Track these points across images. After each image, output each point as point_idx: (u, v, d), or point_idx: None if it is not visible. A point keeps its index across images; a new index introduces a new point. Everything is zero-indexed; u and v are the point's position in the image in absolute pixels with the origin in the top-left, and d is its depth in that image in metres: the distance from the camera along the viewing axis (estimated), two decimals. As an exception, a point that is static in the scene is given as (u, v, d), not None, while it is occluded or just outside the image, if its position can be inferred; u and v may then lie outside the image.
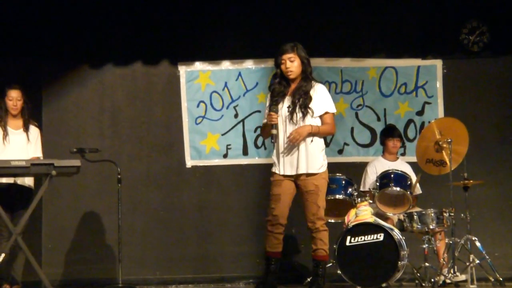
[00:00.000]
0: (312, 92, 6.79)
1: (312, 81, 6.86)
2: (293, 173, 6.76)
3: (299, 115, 6.73)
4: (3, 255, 6.98)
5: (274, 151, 6.90)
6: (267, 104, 6.89)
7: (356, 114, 9.25)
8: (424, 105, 9.25)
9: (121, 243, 7.94)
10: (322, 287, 6.82)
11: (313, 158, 6.75)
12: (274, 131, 6.74)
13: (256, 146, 9.02)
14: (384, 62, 9.29)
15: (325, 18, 9.19)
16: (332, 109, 6.87)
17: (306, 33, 9.13)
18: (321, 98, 6.82)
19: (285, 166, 6.77)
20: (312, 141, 6.76)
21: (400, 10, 9.19)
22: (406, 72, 9.27)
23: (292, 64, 6.79)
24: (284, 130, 6.77)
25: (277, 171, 6.83)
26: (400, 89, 9.27)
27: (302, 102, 6.74)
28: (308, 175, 6.75)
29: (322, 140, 6.88)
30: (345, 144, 9.22)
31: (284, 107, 6.78)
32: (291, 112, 6.73)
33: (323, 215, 6.82)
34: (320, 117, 6.82)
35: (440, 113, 9.18)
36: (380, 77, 9.28)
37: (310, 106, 6.74)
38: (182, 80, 9.17)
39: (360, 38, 9.24)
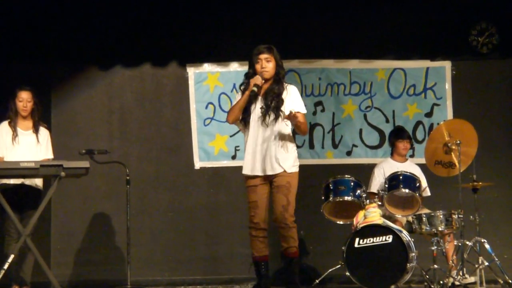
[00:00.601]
0: (284, 94, 6.84)
1: (284, 83, 6.90)
2: (268, 173, 6.78)
3: (272, 117, 6.76)
4: (12, 256, 7.00)
5: (246, 152, 6.89)
6: (237, 98, 6.90)
7: (365, 116, 9.24)
8: (433, 106, 9.23)
9: (130, 244, 7.96)
10: (298, 283, 6.86)
11: (284, 159, 6.77)
12: (255, 88, 6.72)
13: (265, 148, 9.01)
14: (393, 64, 9.27)
15: (333, 19, 9.19)
16: (303, 109, 6.90)
17: (314, 35, 9.15)
18: (293, 99, 6.85)
19: (258, 166, 6.79)
20: (285, 142, 6.80)
21: (409, 11, 9.18)
22: (414, 74, 9.26)
23: (268, 64, 6.83)
24: (256, 131, 6.80)
25: (249, 173, 6.83)
26: (409, 91, 9.26)
27: (275, 104, 6.78)
28: (283, 173, 6.77)
29: (294, 143, 6.91)
30: (354, 145, 9.21)
31: (256, 107, 6.81)
32: (264, 114, 6.76)
33: (293, 212, 6.83)
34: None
35: (449, 114, 9.16)
36: (388, 79, 9.27)
37: (282, 109, 6.78)
38: (191, 82, 9.18)
39: (368, 39, 9.24)
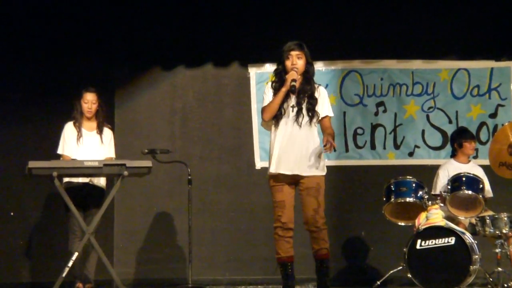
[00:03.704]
0: (316, 95, 6.75)
1: (315, 83, 6.82)
2: (295, 173, 6.66)
3: (306, 118, 6.67)
4: (76, 253, 7.11)
5: (273, 151, 6.74)
6: (269, 95, 6.77)
7: (427, 117, 9.16)
8: (497, 107, 9.11)
9: (191, 244, 8.01)
10: (329, 286, 6.78)
11: (316, 161, 6.68)
12: (294, 83, 6.61)
13: (325, 148, 8.98)
14: (457, 64, 9.17)
15: (396, 19, 9.12)
16: (331, 113, 6.83)
17: (377, 35, 9.10)
18: (323, 101, 6.78)
19: (289, 166, 6.65)
20: (316, 144, 6.69)
21: (473, 11, 9.07)
22: (479, 74, 9.14)
23: (299, 61, 6.73)
24: (288, 130, 6.68)
25: (278, 171, 6.68)
26: (473, 92, 9.15)
27: (310, 105, 6.69)
28: (312, 176, 6.68)
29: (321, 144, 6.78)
30: (416, 146, 9.13)
31: (288, 106, 6.71)
32: (297, 114, 6.67)
33: (323, 214, 6.71)
34: (320, 120, 6.77)
35: (514, 115, 9.05)
36: (452, 79, 9.17)
37: (316, 109, 6.71)
38: (252, 82, 9.20)
39: (431, 39, 9.15)
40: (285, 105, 6.71)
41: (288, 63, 6.74)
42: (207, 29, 9.16)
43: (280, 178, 6.72)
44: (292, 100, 6.72)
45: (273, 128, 6.78)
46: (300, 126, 6.67)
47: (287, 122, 6.70)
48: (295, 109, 6.69)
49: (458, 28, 9.10)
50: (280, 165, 6.68)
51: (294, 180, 6.72)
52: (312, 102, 6.71)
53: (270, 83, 6.89)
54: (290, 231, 6.76)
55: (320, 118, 6.75)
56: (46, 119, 8.79)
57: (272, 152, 6.77)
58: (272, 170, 6.72)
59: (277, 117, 6.73)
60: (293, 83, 6.63)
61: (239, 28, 9.16)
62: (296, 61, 6.73)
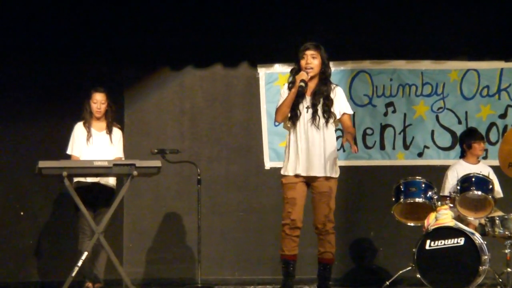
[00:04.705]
0: (332, 95, 6.78)
1: (331, 84, 6.84)
2: (310, 174, 6.71)
3: (322, 120, 6.70)
4: (85, 253, 7.13)
5: (289, 152, 6.79)
6: (283, 96, 6.79)
7: (437, 117, 9.14)
8: (507, 108, 9.09)
9: (200, 244, 8.02)
10: None
11: (330, 163, 6.71)
12: (302, 84, 6.66)
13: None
14: (466, 65, 9.15)
15: (405, 19, 9.11)
16: (350, 110, 6.87)
17: (386, 35, 9.09)
18: (340, 101, 6.81)
19: (301, 167, 6.70)
20: (332, 146, 6.74)
21: (483, 11, 9.05)
22: (488, 75, 9.12)
23: (313, 61, 6.77)
24: (304, 132, 6.71)
25: (290, 173, 6.75)
26: (482, 92, 9.13)
27: (325, 106, 6.72)
28: (324, 177, 6.71)
29: (336, 146, 6.85)
30: (425, 147, 9.12)
31: (303, 107, 6.75)
32: (313, 115, 6.69)
33: (333, 218, 6.78)
34: (340, 119, 6.81)
35: (524, 116, 9.03)
36: (461, 80, 9.15)
37: (332, 110, 6.73)
38: (262, 82, 9.20)
39: (441, 40, 9.13)
40: (300, 107, 6.75)
41: (302, 62, 6.79)
42: (216, 29, 9.16)
43: (294, 177, 6.74)
44: (307, 101, 6.74)
45: (290, 129, 6.81)
46: (317, 127, 6.70)
47: (303, 124, 6.74)
48: (310, 110, 6.72)
49: (467, 29, 9.08)
50: (295, 167, 6.73)
51: (308, 180, 6.74)
52: (328, 103, 6.74)
53: (286, 84, 6.92)
54: (297, 230, 6.79)
55: (338, 118, 6.77)
56: (56, 120, 8.81)
57: (288, 154, 6.79)
58: (287, 173, 6.78)
59: (293, 119, 6.78)
60: (302, 83, 6.66)
61: (248, 29, 9.15)
62: (310, 60, 6.76)
